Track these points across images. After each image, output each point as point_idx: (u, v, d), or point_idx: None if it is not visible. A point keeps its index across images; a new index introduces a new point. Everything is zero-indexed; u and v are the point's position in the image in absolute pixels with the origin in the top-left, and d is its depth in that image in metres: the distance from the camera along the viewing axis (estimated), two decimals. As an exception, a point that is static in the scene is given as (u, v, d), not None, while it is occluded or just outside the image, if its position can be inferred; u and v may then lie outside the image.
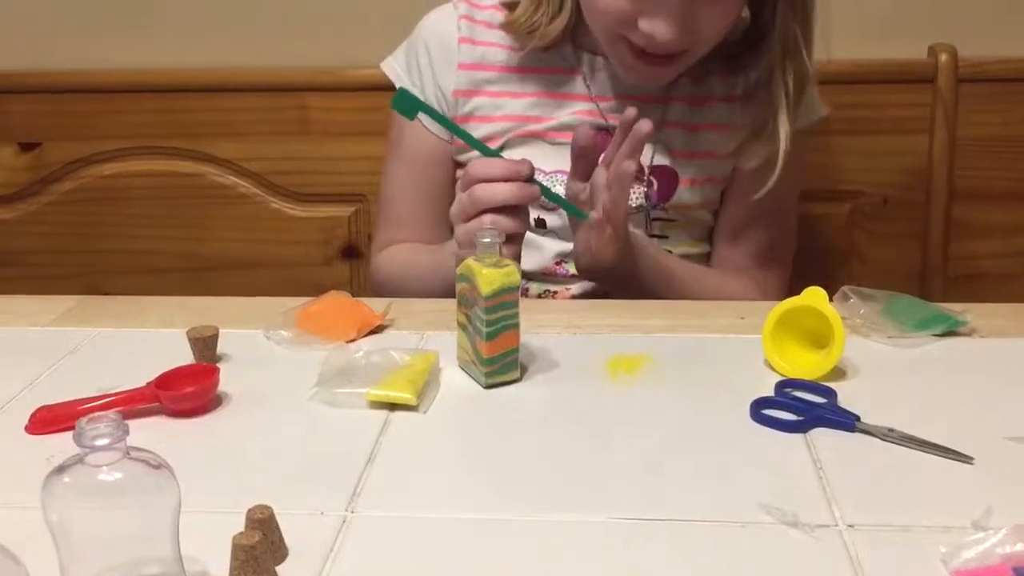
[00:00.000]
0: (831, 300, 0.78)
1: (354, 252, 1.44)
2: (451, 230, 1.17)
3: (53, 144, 1.43)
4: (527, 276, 1.07)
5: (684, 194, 1.07)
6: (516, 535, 0.59)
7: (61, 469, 0.51)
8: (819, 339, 0.78)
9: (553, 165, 1.05)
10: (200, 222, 1.44)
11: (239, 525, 0.56)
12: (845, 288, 0.86)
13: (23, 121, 1.43)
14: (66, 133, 1.42)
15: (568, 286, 1.06)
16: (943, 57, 1.31)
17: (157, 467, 0.52)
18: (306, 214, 1.44)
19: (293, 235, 1.45)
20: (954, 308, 0.86)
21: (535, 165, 1.04)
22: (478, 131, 1.07)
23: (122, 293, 1.42)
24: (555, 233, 1.07)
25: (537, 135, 1.06)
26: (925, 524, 0.59)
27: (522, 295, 1.04)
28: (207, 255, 1.45)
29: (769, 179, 1.00)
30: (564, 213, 1.04)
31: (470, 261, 0.77)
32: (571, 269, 1.07)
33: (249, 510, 0.56)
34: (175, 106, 1.41)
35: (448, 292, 0.98)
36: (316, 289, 0.95)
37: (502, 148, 1.06)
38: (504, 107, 1.07)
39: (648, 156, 1.06)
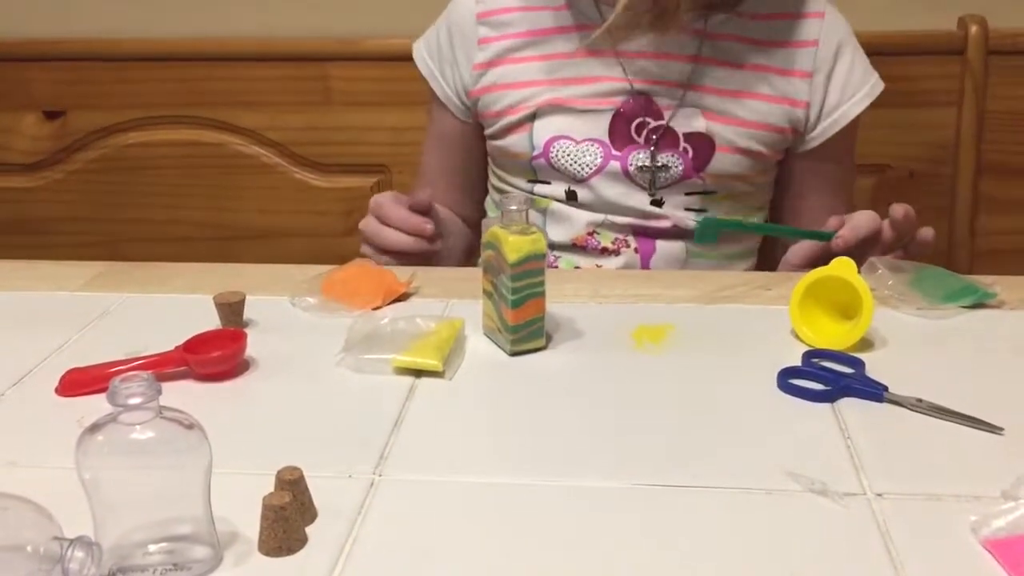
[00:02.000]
0: (859, 271, 0.78)
1: (376, 223, 1.44)
2: (477, 198, 1.18)
3: (77, 113, 1.44)
4: (557, 248, 1.07)
5: (724, 163, 1.04)
6: (541, 499, 0.60)
7: (95, 428, 0.51)
8: (846, 310, 0.77)
9: (583, 134, 1.04)
10: (222, 192, 1.45)
11: (269, 486, 0.56)
12: (873, 259, 0.85)
13: (48, 89, 1.43)
14: (90, 102, 1.43)
15: (599, 261, 1.05)
16: (973, 28, 1.30)
17: (189, 427, 0.52)
18: (328, 184, 1.44)
19: (315, 205, 1.45)
20: (983, 280, 0.85)
21: (565, 133, 1.05)
22: (504, 99, 1.06)
23: (144, 261, 1.44)
24: (587, 206, 1.06)
25: (564, 103, 1.04)
26: (954, 493, 0.59)
27: (551, 267, 1.05)
28: (229, 224, 1.46)
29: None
30: (595, 186, 1.04)
31: (496, 228, 0.77)
32: (603, 241, 1.06)
33: (279, 471, 0.57)
34: (199, 75, 1.42)
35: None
36: (338, 259, 0.95)
37: (533, 116, 1.05)
38: (528, 71, 1.06)
39: (680, 120, 1.03)
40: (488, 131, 1.10)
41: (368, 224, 1.00)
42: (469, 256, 1.14)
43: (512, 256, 0.75)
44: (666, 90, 1.03)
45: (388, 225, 0.98)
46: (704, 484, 0.60)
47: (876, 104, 1.32)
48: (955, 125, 1.33)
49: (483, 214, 1.18)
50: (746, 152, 1.04)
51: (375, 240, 0.99)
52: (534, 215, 1.05)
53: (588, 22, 1.04)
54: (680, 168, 1.03)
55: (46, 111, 1.44)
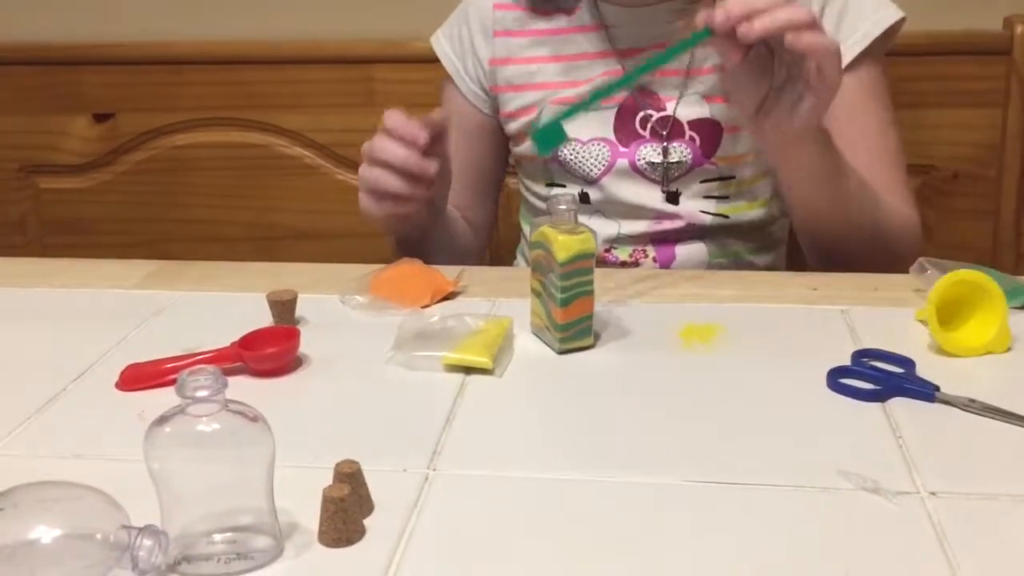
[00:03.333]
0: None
1: (419, 225, 1.46)
2: (493, 199, 1.17)
3: (126, 115, 1.46)
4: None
5: (732, 144, 1.03)
6: (593, 495, 0.60)
7: (162, 420, 0.53)
8: (949, 316, 0.77)
9: (590, 133, 1.04)
10: (267, 193, 1.47)
11: (327, 479, 0.57)
12: (922, 260, 0.85)
13: (98, 92, 1.46)
14: (139, 104, 1.46)
15: None
16: (1019, 28, 1.29)
17: (254, 419, 0.54)
18: (371, 185, 1.45)
19: (357, 206, 1.46)
20: (1032, 281, 0.85)
21: (572, 135, 1.04)
22: (514, 101, 1.07)
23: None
24: (600, 212, 1.05)
25: (569, 102, 1.04)
26: (1009, 493, 0.59)
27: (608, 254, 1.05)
28: (273, 225, 1.48)
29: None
30: (606, 186, 1.03)
31: (545, 228, 0.78)
32: (620, 256, 1.06)
33: (337, 464, 0.58)
34: (244, 78, 1.44)
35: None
36: (380, 260, 0.96)
37: (538, 118, 1.05)
38: (536, 74, 1.06)
39: (683, 108, 1.02)
40: (507, 131, 1.10)
41: (375, 140, 0.92)
42: (468, 259, 1.10)
43: (561, 255, 0.76)
44: (666, 80, 1.03)
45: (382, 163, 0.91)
46: (756, 482, 0.61)
47: (921, 104, 1.33)
48: (1000, 126, 1.32)
49: (492, 220, 1.18)
50: None
51: (379, 153, 0.90)
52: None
53: (592, 24, 1.04)
54: (690, 157, 1.03)
55: (96, 114, 1.46)
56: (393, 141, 0.89)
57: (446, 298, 0.89)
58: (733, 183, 1.05)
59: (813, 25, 0.79)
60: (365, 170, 0.92)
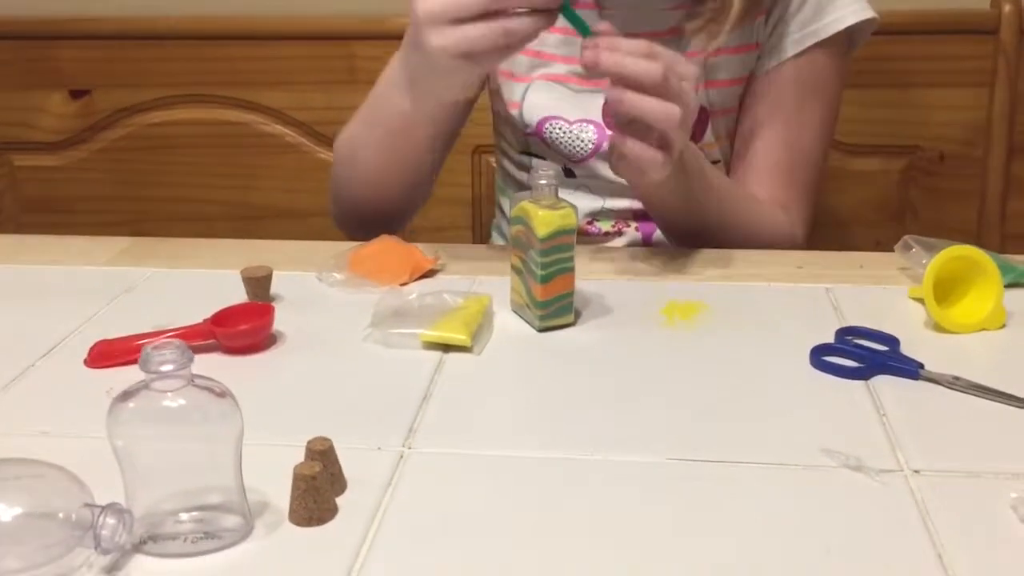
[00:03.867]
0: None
1: (400, 203, 1.44)
2: (447, 148, 1.02)
3: (102, 91, 1.44)
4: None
5: (717, 127, 1.02)
6: (572, 473, 0.59)
7: (126, 395, 0.51)
8: (944, 293, 0.76)
9: (576, 114, 1.02)
10: (247, 171, 1.45)
11: (299, 457, 0.56)
12: (907, 237, 0.84)
13: (73, 68, 1.43)
14: (115, 80, 1.43)
15: (602, 245, 1.03)
16: (1007, 8, 1.28)
17: (221, 395, 0.52)
18: (352, 164, 1.44)
19: (419, 204, 1.44)
20: (1018, 259, 0.84)
21: (558, 113, 1.01)
22: (501, 65, 1.02)
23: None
24: (585, 187, 1.04)
25: (558, 79, 1.02)
26: (993, 471, 0.58)
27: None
28: (253, 204, 1.46)
29: (716, 41, 0.94)
30: (593, 167, 1.02)
31: (526, 203, 0.76)
32: (603, 227, 1.05)
33: (309, 441, 0.57)
34: (223, 54, 1.41)
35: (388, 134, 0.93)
36: (362, 238, 0.94)
37: (525, 92, 1.02)
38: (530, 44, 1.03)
39: None
40: (492, 85, 1.07)
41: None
42: (415, 200, 1.05)
43: (542, 231, 0.75)
44: None
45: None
46: (737, 459, 0.60)
47: (907, 84, 1.32)
48: (987, 106, 1.31)
49: (438, 169, 1.07)
50: (732, 111, 1.02)
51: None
52: None
53: (588, 2, 1.01)
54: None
55: (72, 90, 1.44)
56: None
57: (425, 275, 0.87)
58: (720, 167, 1.04)
59: (660, 86, 0.76)
60: (473, 29, 0.76)
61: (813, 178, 1.04)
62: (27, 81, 1.44)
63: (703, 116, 1.02)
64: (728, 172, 1.04)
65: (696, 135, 1.01)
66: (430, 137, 0.95)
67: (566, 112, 1.02)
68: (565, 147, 1.03)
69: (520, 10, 0.76)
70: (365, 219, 1.02)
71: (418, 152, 0.97)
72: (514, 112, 1.04)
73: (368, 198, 1.01)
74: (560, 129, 1.03)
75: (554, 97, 1.02)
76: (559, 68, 1.03)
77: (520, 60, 1.02)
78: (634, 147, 0.78)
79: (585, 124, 1.02)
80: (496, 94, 1.07)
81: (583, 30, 0.79)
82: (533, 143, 1.05)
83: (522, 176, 1.10)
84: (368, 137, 0.97)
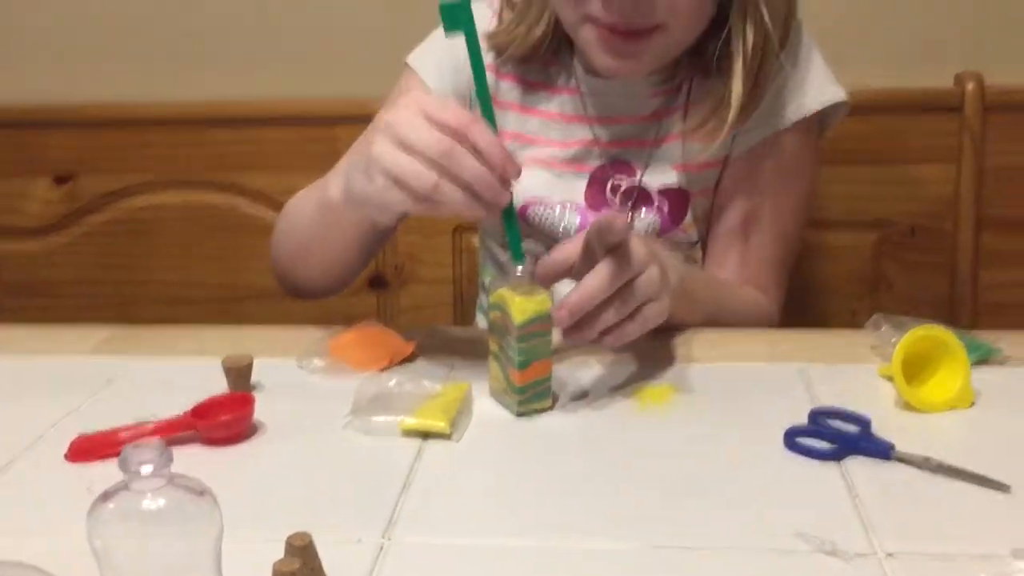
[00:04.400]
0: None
1: (381, 281, 1.46)
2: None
3: (87, 177, 1.46)
4: None
5: (697, 208, 1.04)
6: (551, 562, 0.60)
7: (106, 496, 0.52)
8: (913, 372, 0.77)
9: (560, 196, 1.03)
10: (231, 253, 1.46)
11: (279, 552, 0.56)
12: (877, 316, 0.86)
13: (58, 154, 1.46)
14: (99, 166, 1.45)
15: None
16: (970, 86, 1.32)
17: (200, 494, 0.53)
18: (334, 245, 1.45)
19: (340, 290, 1.46)
20: (987, 336, 0.85)
21: (541, 195, 1.03)
22: None
23: (154, 323, 1.45)
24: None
25: (542, 163, 1.04)
26: (965, 553, 0.59)
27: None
28: (237, 285, 1.47)
29: (719, 140, 0.95)
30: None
31: (503, 290, 0.78)
32: None
33: (289, 537, 0.57)
34: (206, 138, 1.44)
35: (321, 238, 0.92)
36: (344, 318, 0.95)
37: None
38: (511, 123, 1.05)
39: (653, 175, 1.03)
40: None
41: (452, 148, 0.72)
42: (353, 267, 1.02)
43: (519, 318, 0.76)
44: (636, 150, 1.04)
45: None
46: (713, 545, 0.60)
47: (877, 160, 1.35)
48: (955, 180, 1.34)
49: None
50: (712, 191, 1.04)
51: (456, 165, 0.71)
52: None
53: (567, 85, 1.05)
54: (658, 225, 1.03)
55: (56, 176, 1.46)
56: (465, 150, 0.72)
57: (405, 360, 0.88)
58: (700, 247, 1.06)
59: (638, 315, 0.77)
60: (403, 160, 0.72)
61: (788, 258, 1.06)
62: (11, 168, 1.46)
63: (683, 198, 1.04)
64: (704, 252, 1.06)
65: (676, 217, 1.04)
66: (357, 237, 0.95)
67: (550, 195, 1.04)
68: (549, 230, 1.05)
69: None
70: (287, 281, 1.05)
71: (343, 245, 0.96)
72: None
73: (293, 264, 1.03)
74: (544, 212, 1.04)
75: (538, 180, 1.04)
76: (542, 151, 1.05)
77: (509, 144, 1.04)
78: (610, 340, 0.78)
79: (567, 207, 1.04)
80: None
81: (516, 252, 0.78)
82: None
83: (505, 256, 1.12)
84: (306, 211, 0.97)
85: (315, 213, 0.94)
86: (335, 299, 1.44)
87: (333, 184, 0.87)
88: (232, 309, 1.46)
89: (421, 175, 0.72)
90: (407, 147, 0.72)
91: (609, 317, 0.77)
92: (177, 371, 0.87)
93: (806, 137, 1.03)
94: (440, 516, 0.65)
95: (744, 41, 0.94)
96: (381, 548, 0.61)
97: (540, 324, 0.77)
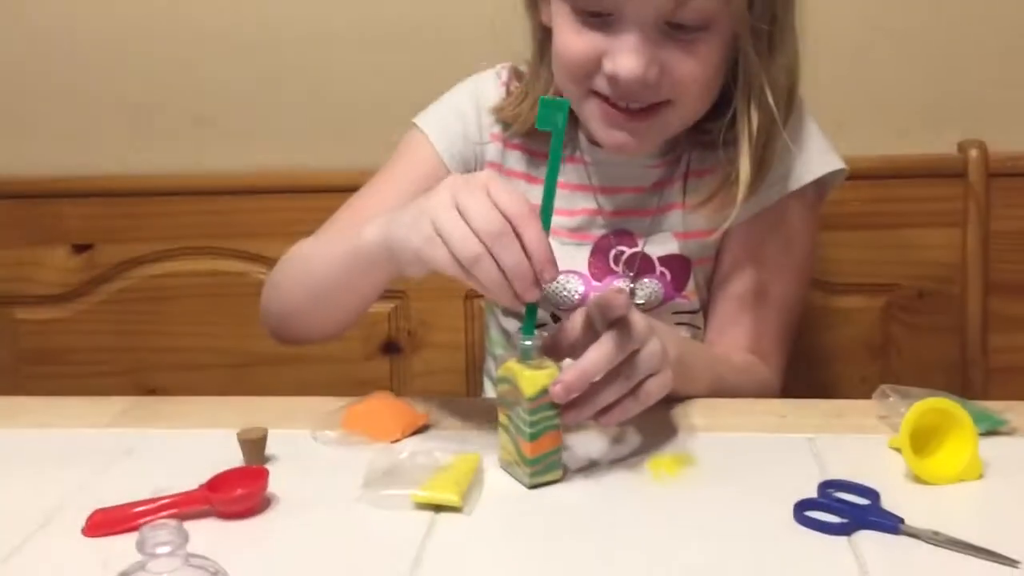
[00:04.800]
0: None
1: (394, 347, 1.47)
2: None
3: (105, 245, 1.48)
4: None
5: (699, 276, 1.05)
6: (563, 640, 0.60)
7: (123, 576, 0.53)
8: (921, 444, 0.78)
9: (563, 265, 1.03)
10: (246, 320, 1.47)
11: (291, 631, 0.57)
12: (884, 387, 0.86)
13: (76, 224, 1.48)
14: (117, 235, 1.48)
15: None
16: (973, 152, 1.33)
17: (214, 574, 0.54)
18: (347, 311, 1.47)
19: (340, 335, 1.47)
20: (994, 407, 0.86)
21: None
22: None
23: (169, 390, 1.47)
24: None
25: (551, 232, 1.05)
26: (974, 630, 0.59)
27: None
28: (252, 352, 1.48)
29: (728, 219, 0.96)
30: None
31: (511, 363, 0.79)
32: None
33: (301, 616, 0.58)
34: (222, 207, 1.47)
35: (337, 282, 0.91)
36: (357, 384, 0.97)
37: None
38: (521, 188, 1.06)
39: (654, 245, 1.04)
40: None
41: (500, 237, 0.73)
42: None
43: (529, 391, 0.77)
44: (637, 219, 1.05)
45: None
46: (723, 623, 0.61)
47: (883, 225, 1.37)
48: (960, 245, 1.36)
49: None
50: (712, 259, 1.06)
51: (495, 245, 0.73)
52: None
53: (571, 155, 1.06)
54: (661, 293, 1.04)
55: (74, 244, 1.48)
56: (512, 237, 0.73)
57: (418, 431, 0.89)
58: (701, 315, 1.07)
59: (640, 391, 0.78)
60: (456, 222, 0.74)
61: (790, 326, 1.07)
62: (30, 237, 1.48)
63: (685, 266, 1.05)
64: (705, 319, 1.07)
65: (679, 285, 1.05)
66: (382, 284, 0.94)
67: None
68: (552, 298, 1.06)
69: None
70: (288, 330, 1.05)
71: (369, 291, 0.95)
72: None
73: (302, 311, 1.01)
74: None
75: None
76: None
77: None
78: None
79: (571, 275, 1.06)
80: None
81: (528, 328, 0.78)
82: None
83: (507, 322, 1.13)
84: (325, 257, 0.96)
85: (341, 258, 0.92)
86: (349, 365, 1.47)
87: (370, 229, 0.86)
88: (247, 375, 1.48)
89: (467, 243, 0.73)
90: (463, 212, 0.74)
91: (609, 395, 0.77)
92: (193, 442, 0.89)
93: (804, 205, 1.05)
94: (452, 592, 0.65)
95: (750, 122, 0.96)
96: (393, 625, 0.62)
97: (550, 396, 0.78)
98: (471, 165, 1.09)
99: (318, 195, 1.45)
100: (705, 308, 1.08)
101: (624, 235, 1.06)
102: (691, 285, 1.06)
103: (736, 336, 1.04)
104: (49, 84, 1.51)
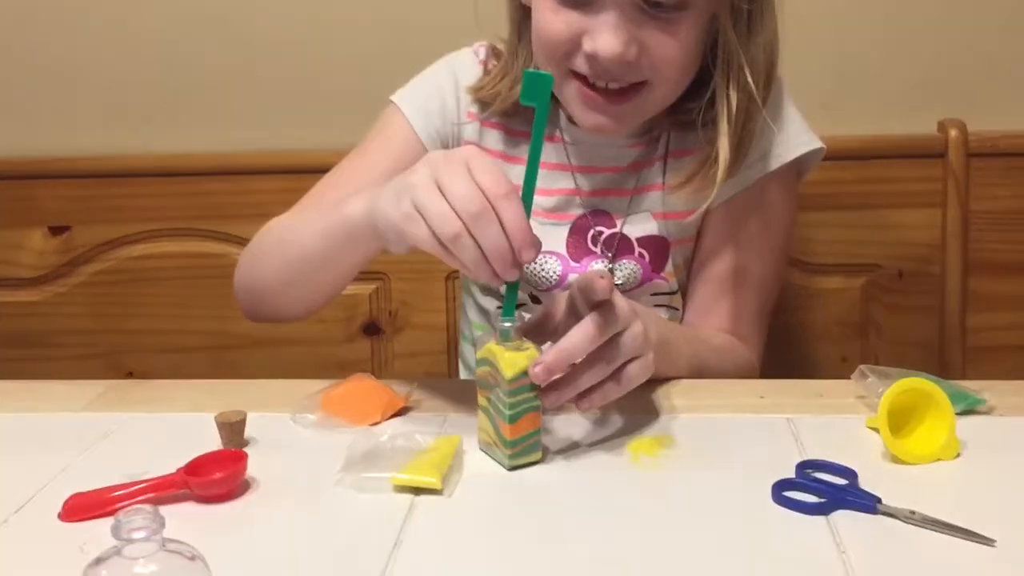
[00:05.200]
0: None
1: (375, 329, 1.47)
2: None
3: (82, 227, 1.47)
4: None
5: (677, 257, 1.06)
6: (542, 622, 0.60)
7: (98, 561, 0.52)
8: (899, 424, 0.78)
9: (542, 247, 1.05)
10: (225, 302, 1.46)
11: (269, 614, 0.57)
12: (863, 367, 0.87)
13: (53, 205, 1.47)
14: (94, 216, 1.46)
15: None
16: (953, 132, 1.34)
17: (191, 559, 0.53)
18: (327, 293, 1.46)
19: (315, 313, 1.47)
20: (971, 387, 0.86)
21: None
22: None
23: (148, 372, 1.46)
24: None
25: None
26: (949, 609, 0.59)
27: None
28: (232, 334, 1.47)
29: (707, 200, 0.97)
30: (557, 293, 1.01)
31: (491, 345, 0.79)
32: None
33: (279, 600, 0.57)
34: (201, 189, 1.45)
35: (316, 256, 0.90)
36: (338, 366, 0.96)
37: None
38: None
39: (633, 225, 1.05)
40: None
41: (480, 217, 0.72)
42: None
43: (508, 372, 0.77)
44: (616, 200, 1.05)
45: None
46: (701, 603, 0.61)
47: (863, 206, 1.37)
48: (940, 225, 1.36)
49: None
50: (692, 240, 1.06)
51: (474, 224, 0.72)
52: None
53: (551, 134, 1.06)
54: (639, 274, 1.05)
55: (51, 226, 1.47)
56: (494, 217, 0.72)
57: (398, 413, 0.89)
58: (679, 296, 1.07)
59: (621, 375, 0.78)
60: (435, 200, 0.73)
61: (767, 306, 1.07)
62: (6, 219, 1.47)
63: (663, 247, 1.05)
64: (684, 301, 1.07)
65: (657, 266, 1.05)
66: (364, 260, 0.92)
67: None
68: (531, 278, 1.06)
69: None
70: (264, 306, 1.04)
71: (351, 266, 0.94)
72: None
73: (278, 286, 1.00)
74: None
75: None
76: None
77: None
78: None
79: (549, 256, 1.05)
80: None
81: (508, 310, 0.79)
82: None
83: (486, 301, 1.13)
84: (306, 233, 0.95)
85: (323, 233, 0.91)
86: (330, 346, 1.46)
87: (353, 204, 0.86)
88: (226, 357, 1.47)
89: (447, 221, 0.72)
90: (443, 189, 0.73)
91: (590, 377, 0.77)
92: (171, 425, 0.88)
93: (783, 185, 1.05)
94: (431, 574, 0.65)
95: (728, 103, 0.96)
96: (372, 608, 0.62)
97: (529, 378, 0.77)
98: (448, 143, 1.08)
99: (298, 176, 1.43)
100: (683, 289, 1.08)
101: (602, 215, 1.06)
102: (669, 266, 1.06)
103: (716, 317, 1.04)
104: (25, 64, 1.49)
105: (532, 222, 1.04)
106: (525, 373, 0.77)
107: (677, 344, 0.94)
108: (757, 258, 1.05)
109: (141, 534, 0.51)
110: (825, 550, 0.66)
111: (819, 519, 0.69)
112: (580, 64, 0.94)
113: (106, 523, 0.53)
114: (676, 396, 0.91)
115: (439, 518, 0.72)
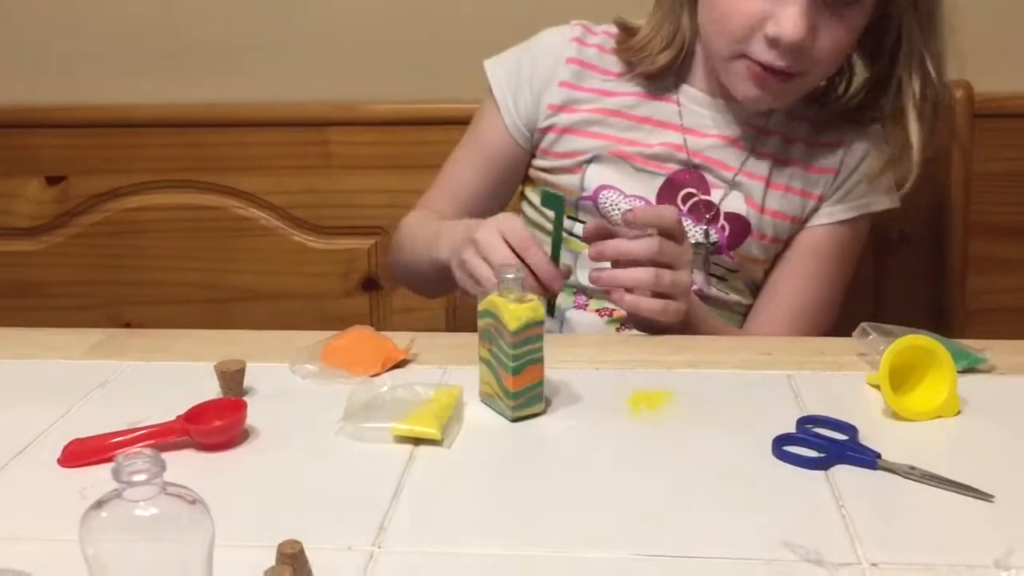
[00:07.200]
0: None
1: (373, 284, 1.47)
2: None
3: (78, 178, 1.46)
4: (585, 292, 1.08)
5: (752, 247, 1.08)
6: (539, 571, 0.60)
7: (99, 504, 0.52)
8: (900, 380, 0.78)
9: (633, 189, 1.07)
10: (222, 254, 1.46)
11: (269, 559, 0.57)
12: (864, 324, 0.86)
13: (49, 155, 1.46)
14: (91, 167, 1.45)
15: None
16: (959, 93, 1.32)
17: (192, 502, 0.53)
18: (327, 247, 1.46)
19: (314, 267, 1.46)
20: (973, 345, 0.86)
21: (616, 184, 1.07)
22: (569, 144, 1.09)
23: (144, 324, 1.46)
24: None
25: (625, 156, 1.07)
26: (948, 563, 0.59)
27: (582, 308, 1.08)
28: (229, 287, 1.47)
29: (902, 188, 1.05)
30: None
31: (494, 297, 0.79)
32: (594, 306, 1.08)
33: (280, 545, 0.57)
34: (199, 140, 1.44)
35: (429, 273, 1.05)
36: (336, 320, 0.96)
37: (590, 161, 1.08)
38: (598, 124, 1.09)
39: (726, 200, 1.07)
40: (542, 164, 1.12)
41: (498, 241, 0.91)
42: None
43: (512, 324, 0.76)
44: (719, 171, 1.07)
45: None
46: (702, 554, 0.61)
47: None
48: (944, 187, 1.35)
49: None
50: (773, 240, 1.09)
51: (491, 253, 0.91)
52: (566, 255, 1.06)
53: (665, 95, 1.09)
54: (705, 239, 1.07)
55: (48, 176, 1.46)
56: (520, 265, 0.89)
57: (398, 365, 0.88)
58: (736, 274, 1.10)
59: (658, 284, 0.91)
60: (483, 268, 0.92)
61: (823, 329, 1.09)
62: (2, 169, 1.46)
63: (744, 229, 1.07)
64: (735, 285, 1.11)
65: (733, 244, 1.08)
66: (449, 282, 1.02)
67: (624, 185, 1.07)
68: (614, 216, 1.06)
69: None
70: (404, 281, 1.20)
71: (439, 282, 1.07)
72: (573, 176, 1.09)
73: (405, 272, 1.17)
74: (613, 200, 1.07)
75: (615, 170, 1.08)
76: (625, 148, 1.08)
77: (592, 142, 1.08)
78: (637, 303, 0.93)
79: (637, 200, 1.07)
80: (551, 171, 1.11)
81: (555, 254, 0.95)
82: (584, 207, 1.09)
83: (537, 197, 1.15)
84: (418, 249, 1.09)
85: (424, 258, 1.06)
86: (326, 301, 1.46)
87: (442, 247, 1.01)
88: (223, 310, 1.47)
89: (492, 281, 0.88)
90: (486, 259, 0.91)
91: (643, 276, 0.91)
92: (170, 374, 0.88)
93: (864, 227, 1.11)
94: (430, 524, 0.65)
95: (914, 94, 1.02)
96: (371, 556, 0.62)
97: (533, 329, 0.77)
98: (533, 116, 1.11)
99: (297, 129, 1.43)
100: (741, 273, 1.10)
101: (699, 179, 1.07)
102: (742, 249, 1.08)
103: (777, 329, 1.07)
104: (23, 12, 1.47)
105: (629, 166, 1.08)
106: (529, 324, 0.77)
107: (715, 323, 1.01)
108: (829, 285, 1.10)
109: (142, 477, 0.51)
110: (825, 504, 0.66)
111: (819, 473, 0.70)
112: (756, 49, 0.98)
113: (106, 469, 0.52)
114: (678, 351, 0.90)
115: (439, 468, 0.72)
